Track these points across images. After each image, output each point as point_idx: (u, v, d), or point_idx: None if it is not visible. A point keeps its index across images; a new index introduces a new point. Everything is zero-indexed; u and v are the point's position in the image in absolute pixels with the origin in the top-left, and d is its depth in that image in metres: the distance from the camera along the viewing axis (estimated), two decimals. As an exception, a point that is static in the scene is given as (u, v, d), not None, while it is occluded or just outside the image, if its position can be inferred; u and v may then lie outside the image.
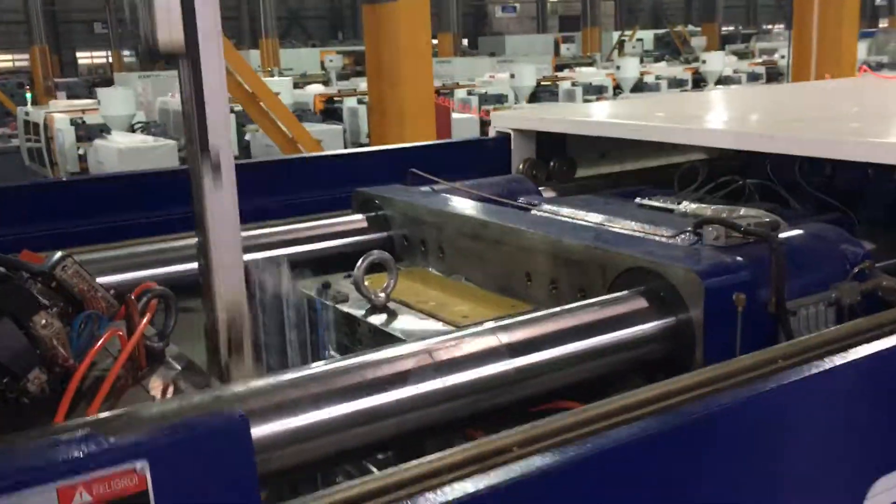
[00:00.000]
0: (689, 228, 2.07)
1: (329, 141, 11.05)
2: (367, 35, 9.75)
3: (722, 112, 4.03)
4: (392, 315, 2.09)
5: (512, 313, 1.97)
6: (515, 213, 2.48)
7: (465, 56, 29.57)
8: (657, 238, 2.13)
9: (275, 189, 3.12)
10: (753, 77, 19.70)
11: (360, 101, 14.89)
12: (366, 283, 2.11)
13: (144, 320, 1.81)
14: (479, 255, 2.36)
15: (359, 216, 2.78)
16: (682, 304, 1.78)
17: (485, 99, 15.88)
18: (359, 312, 2.11)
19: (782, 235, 2.00)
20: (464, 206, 2.56)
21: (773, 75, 20.03)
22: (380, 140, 9.61)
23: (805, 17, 12.73)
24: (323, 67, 24.65)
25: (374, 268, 2.18)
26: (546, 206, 2.71)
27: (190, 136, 1.55)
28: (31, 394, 1.59)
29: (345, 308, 2.15)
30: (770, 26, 46.40)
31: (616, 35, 37.57)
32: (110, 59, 36.84)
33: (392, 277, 2.14)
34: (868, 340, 1.63)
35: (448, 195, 2.80)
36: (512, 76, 15.94)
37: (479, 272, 2.37)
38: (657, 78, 18.50)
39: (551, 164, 3.55)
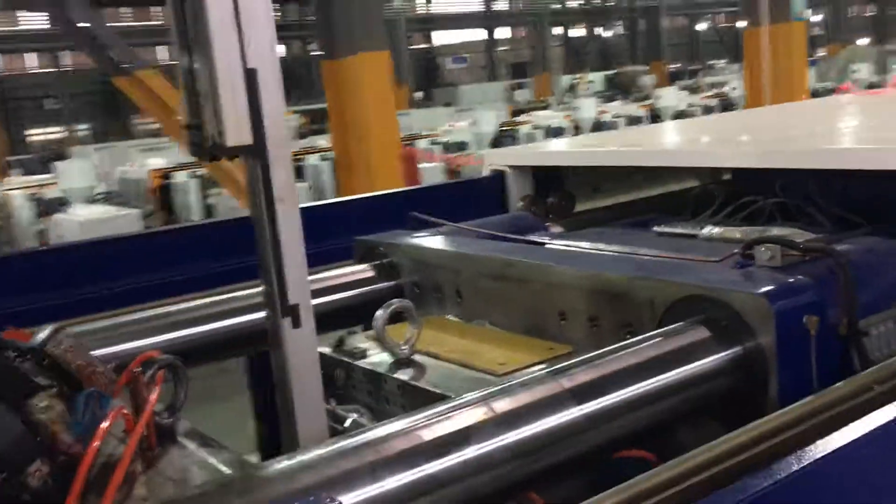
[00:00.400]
0: (737, 250, 1.91)
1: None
2: (328, 90, 9.67)
3: (721, 134, 3.94)
4: (420, 368, 1.92)
5: (558, 355, 1.80)
6: (536, 249, 2.34)
7: (420, 108, 29.70)
8: (703, 263, 1.98)
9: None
10: (707, 110, 19.99)
11: (322, 158, 14.78)
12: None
13: (154, 395, 1.61)
14: (503, 296, 2.19)
15: (363, 266, 2.60)
16: (749, 331, 1.63)
17: (447, 147, 15.88)
18: (382, 368, 1.93)
19: (838, 247, 1.87)
20: (479, 246, 2.40)
21: (726, 107, 20.35)
22: (348, 193, 9.47)
23: (755, 50, 13.02)
24: (280, 128, 24.46)
25: (392, 319, 2.01)
26: (560, 241, 2.55)
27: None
28: (32, 489, 1.37)
29: (366, 364, 1.96)
30: (713, 61, 47.48)
31: (567, 78, 38.17)
32: (63, 135, 36.43)
33: (415, 327, 1.98)
34: None
35: (456, 237, 2.64)
36: (473, 123, 15.97)
37: (503, 315, 2.19)
38: (614, 116, 18.71)
39: (549, 200, 3.42)
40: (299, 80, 43.50)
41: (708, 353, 1.63)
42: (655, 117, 18.78)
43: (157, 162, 14.25)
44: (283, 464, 1.26)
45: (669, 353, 1.62)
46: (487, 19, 43.43)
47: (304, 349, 1.60)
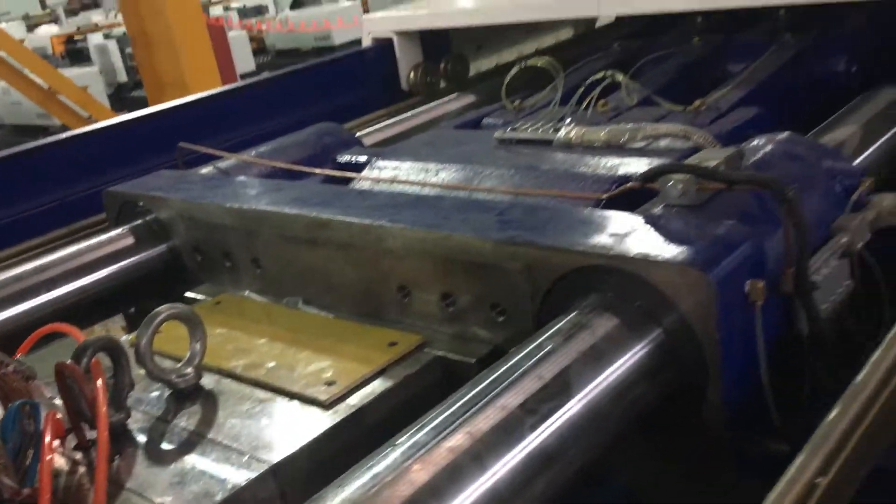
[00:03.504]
0: (635, 183, 1.39)
1: (91, 85, 9.69)
2: (109, -42, 8.47)
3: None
4: (209, 404, 1.34)
5: (405, 353, 1.37)
6: (361, 196, 1.71)
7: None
8: (585, 205, 1.48)
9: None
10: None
11: (106, 37, 13.30)
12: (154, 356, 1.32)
13: (101, 393, 1.19)
14: (318, 266, 1.61)
15: (120, 229, 1.91)
16: (674, 312, 1.16)
17: (244, 13, 14.75)
18: (158, 408, 1.34)
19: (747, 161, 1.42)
20: (277, 193, 1.75)
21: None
22: (154, 77, 8.53)
23: None
24: (44, 6, 21.88)
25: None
26: (382, 163, 2.03)
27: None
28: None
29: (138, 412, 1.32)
30: None
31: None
32: None
33: (198, 340, 1.37)
34: None
35: (245, 177, 2.02)
36: (267, -17, 14.87)
37: (322, 291, 1.61)
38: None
39: (442, 65, 3.07)
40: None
41: (624, 351, 1.16)
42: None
43: None
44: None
45: (576, 364, 1.10)
46: None
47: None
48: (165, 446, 1.26)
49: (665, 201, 1.33)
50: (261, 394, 1.36)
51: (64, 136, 2.46)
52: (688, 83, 2.34)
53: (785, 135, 1.56)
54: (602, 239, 1.25)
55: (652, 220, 1.28)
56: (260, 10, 14.93)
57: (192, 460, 1.21)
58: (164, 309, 1.33)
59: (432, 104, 2.76)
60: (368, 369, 1.36)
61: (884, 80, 2.13)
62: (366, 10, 12.69)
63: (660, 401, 1.20)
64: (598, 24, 3.89)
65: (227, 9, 14.95)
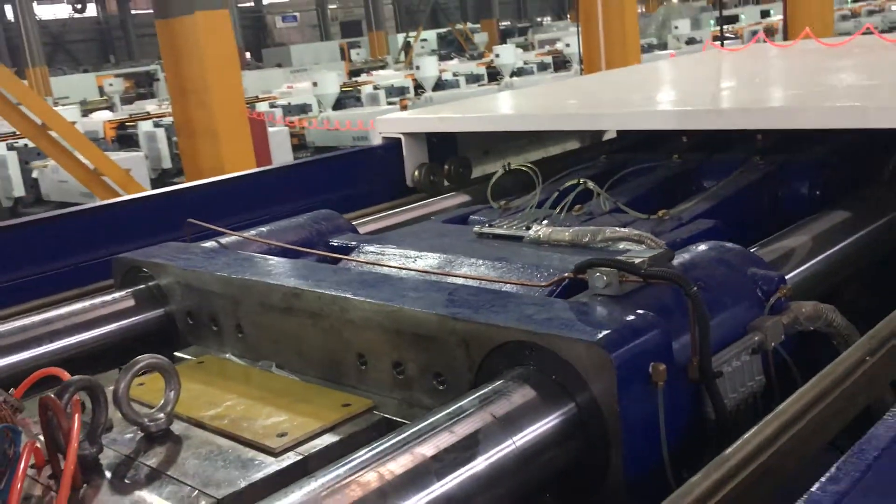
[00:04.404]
0: (567, 274, 1.57)
1: (134, 169, 10.15)
2: (164, 52, 9.02)
3: (598, 97, 3.91)
4: (174, 446, 1.50)
5: (354, 415, 1.52)
6: (334, 272, 1.91)
7: (251, 69, 28.64)
8: (530, 292, 1.66)
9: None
10: (543, 66, 20.42)
11: (156, 125, 13.94)
12: (131, 401, 1.48)
13: (76, 426, 1.35)
14: (290, 333, 1.78)
15: (123, 292, 2.09)
16: (582, 388, 1.30)
17: (289, 110, 15.38)
18: (126, 448, 1.49)
19: (677, 262, 1.60)
20: (263, 266, 1.95)
21: (560, 63, 20.85)
22: (194, 164, 8.94)
23: (589, 9, 13.38)
24: (102, 93, 22.99)
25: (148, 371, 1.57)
26: (368, 248, 2.22)
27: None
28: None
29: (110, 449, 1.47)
30: (540, 19, 48.62)
31: (401, 37, 37.90)
32: None
33: (172, 388, 1.53)
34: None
35: (241, 251, 2.20)
36: (315, 84, 15.52)
37: (293, 356, 1.78)
38: (454, 75, 18.74)
39: (446, 167, 3.28)
40: (114, 42, 40.90)
41: (534, 421, 1.28)
42: (495, 74, 18.97)
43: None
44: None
45: (490, 426, 1.24)
46: (316, -23, 42.35)
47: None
48: (128, 480, 1.41)
49: (593, 291, 1.49)
50: (221, 441, 1.51)
51: (87, 206, 2.69)
52: (662, 195, 2.53)
53: (719, 243, 1.72)
54: (529, 319, 1.40)
55: (575, 306, 1.44)
56: (304, 109, 15.58)
57: (149, 493, 1.36)
58: (143, 358, 1.50)
59: (430, 200, 2.97)
60: (319, 425, 1.51)
61: (839, 205, 2.29)
62: (404, 114, 13.19)
63: (570, 468, 1.33)
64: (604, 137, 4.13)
65: (272, 105, 15.61)
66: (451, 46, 36.27)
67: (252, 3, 45.04)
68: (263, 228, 2.37)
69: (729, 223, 2.19)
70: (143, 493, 1.36)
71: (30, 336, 1.94)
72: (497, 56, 19.00)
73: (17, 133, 9.95)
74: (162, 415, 1.54)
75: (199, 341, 2.00)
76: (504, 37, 37.45)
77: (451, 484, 1.16)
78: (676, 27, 23.24)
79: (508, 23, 45.69)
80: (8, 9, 32.02)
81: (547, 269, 1.82)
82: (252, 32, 43.30)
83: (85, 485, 1.40)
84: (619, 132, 3.80)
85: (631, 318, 1.36)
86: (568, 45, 19.57)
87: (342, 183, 3.08)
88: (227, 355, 1.92)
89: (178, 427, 1.55)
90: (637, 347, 1.31)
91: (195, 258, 2.08)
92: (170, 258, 2.08)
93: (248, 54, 37.09)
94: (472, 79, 18.76)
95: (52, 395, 1.39)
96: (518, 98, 4.39)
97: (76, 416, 1.38)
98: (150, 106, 17.79)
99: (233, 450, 1.47)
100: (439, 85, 17.77)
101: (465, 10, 45.59)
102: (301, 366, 1.76)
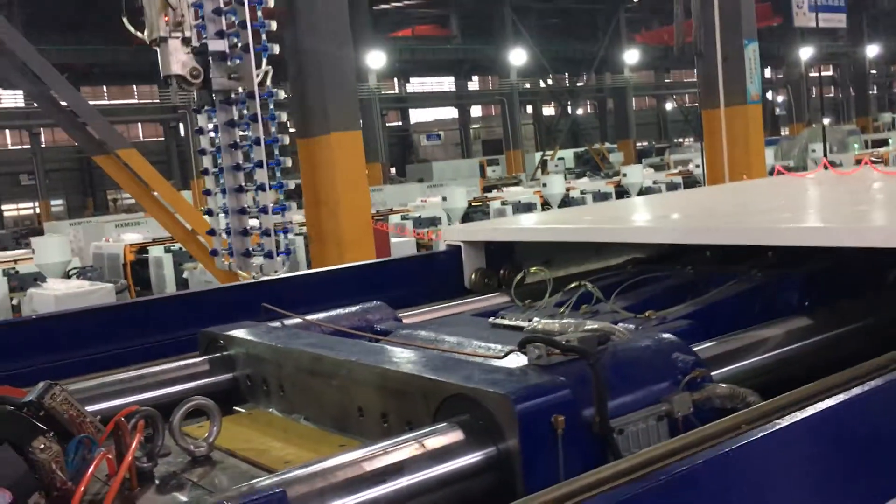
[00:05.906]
0: (514, 348, 1.97)
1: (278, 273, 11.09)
2: (303, 167, 10.01)
3: (655, 212, 4.28)
4: (210, 467, 1.98)
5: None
6: (354, 345, 2.35)
7: (394, 183, 30.27)
8: (488, 361, 2.05)
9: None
10: (672, 186, 20.65)
11: (297, 233, 15.06)
12: (184, 432, 1.99)
13: (134, 442, 1.85)
14: (315, 391, 2.24)
15: (200, 358, 2.61)
16: (499, 432, 1.68)
17: (419, 222, 16.26)
18: (176, 466, 1.98)
19: (619, 347, 1.95)
20: (303, 340, 2.42)
21: (690, 183, 21.03)
22: (321, 266, 9.74)
23: (713, 131, 13.66)
24: (255, 203, 24.85)
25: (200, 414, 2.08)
26: (402, 333, 2.68)
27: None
28: (32, 518, 1.61)
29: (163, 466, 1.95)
30: (681, 140, 48.93)
31: (538, 155, 39.08)
32: (37, 210, 36.61)
33: (215, 424, 2.00)
34: (695, 452, 1.56)
35: (297, 330, 2.70)
36: (444, 199, 16.38)
37: (316, 410, 2.25)
38: (582, 192, 19.27)
39: (501, 271, 3.71)
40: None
41: (460, 454, 1.67)
42: (622, 193, 19.38)
43: (133, 237, 14.50)
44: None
45: (418, 455, 1.63)
46: (460, 98, 44.53)
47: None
48: (169, 487, 1.89)
49: (529, 361, 1.88)
50: (244, 466, 1.99)
51: (197, 290, 3.29)
52: (663, 301, 2.86)
53: (660, 334, 2.08)
54: (469, 378, 1.81)
55: (508, 371, 1.84)
56: (433, 222, 16.44)
57: (180, 495, 1.84)
58: (193, 399, 2.02)
59: (476, 298, 3.40)
60: (314, 457, 1.95)
61: (807, 314, 2.58)
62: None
63: (487, 496, 1.69)
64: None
65: (404, 217, 16.56)
66: (587, 165, 37.09)
67: (400, 123, 47.76)
68: (322, 315, 2.88)
69: (708, 326, 2.51)
70: (177, 495, 1.83)
71: (127, 387, 2.49)
72: (625, 175, 19.45)
73: (172, 237, 11.11)
74: (204, 444, 2.02)
75: (254, 399, 2.49)
76: (640, 156, 37.96)
77: (381, 492, 1.57)
78: (814, 150, 23.13)
79: (647, 143, 46.22)
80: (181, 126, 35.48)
81: (511, 345, 2.19)
82: (398, 149, 45.77)
83: (139, 488, 1.89)
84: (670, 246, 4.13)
85: (543, 379, 1.75)
86: (697, 166, 19.82)
87: (406, 282, 3.56)
88: (271, 409, 2.40)
89: (217, 455, 2.04)
90: (542, 402, 1.68)
91: (260, 332, 2.59)
92: (241, 332, 2.61)
93: (392, 169, 39.24)
94: (600, 197, 19.22)
95: (122, 419, 1.90)
96: (579, 213, 4.81)
97: (137, 435, 1.88)
98: (298, 216, 19.22)
99: (250, 471, 1.93)
100: (566, 202, 18.33)
101: (604, 130, 46.56)
102: (322, 417, 2.22)
